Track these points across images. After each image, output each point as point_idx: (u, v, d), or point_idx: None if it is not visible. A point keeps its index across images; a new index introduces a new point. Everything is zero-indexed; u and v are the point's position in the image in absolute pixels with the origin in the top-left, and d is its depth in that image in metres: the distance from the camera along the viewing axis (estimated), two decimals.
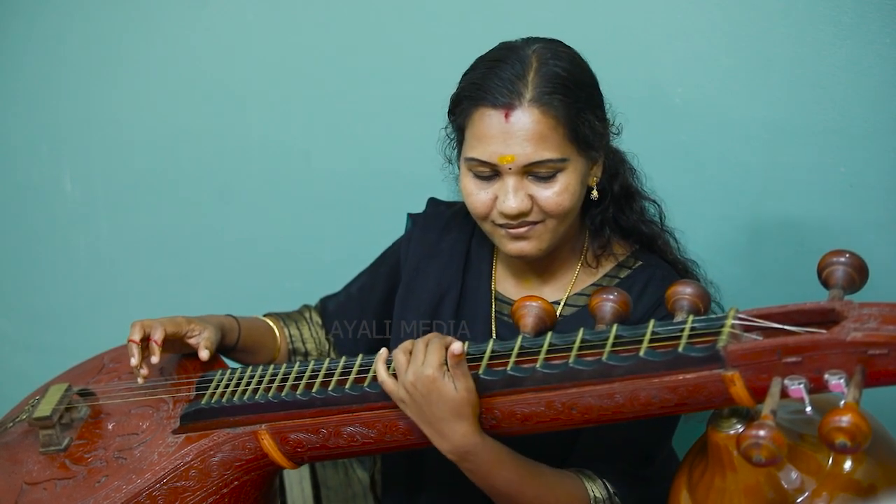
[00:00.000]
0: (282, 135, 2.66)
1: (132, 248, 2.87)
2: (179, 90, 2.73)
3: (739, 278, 2.13)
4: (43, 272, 2.99)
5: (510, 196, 1.77)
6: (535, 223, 1.80)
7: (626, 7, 2.25)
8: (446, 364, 1.62)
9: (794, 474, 1.51)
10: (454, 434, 1.64)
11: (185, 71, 2.71)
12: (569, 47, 1.83)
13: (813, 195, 2.16)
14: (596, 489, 1.76)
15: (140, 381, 1.91)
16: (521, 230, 1.80)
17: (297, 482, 2.20)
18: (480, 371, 1.64)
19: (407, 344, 1.68)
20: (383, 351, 1.71)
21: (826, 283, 1.55)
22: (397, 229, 2.16)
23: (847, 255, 1.54)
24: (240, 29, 2.63)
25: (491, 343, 1.68)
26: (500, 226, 1.81)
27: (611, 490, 1.76)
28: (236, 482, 1.80)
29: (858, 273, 1.54)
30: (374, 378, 1.72)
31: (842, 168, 2.12)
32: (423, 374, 1.61)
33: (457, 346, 1.60)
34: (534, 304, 1.70)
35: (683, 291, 1.61)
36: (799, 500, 1.51)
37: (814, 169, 2.15)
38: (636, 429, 1.77)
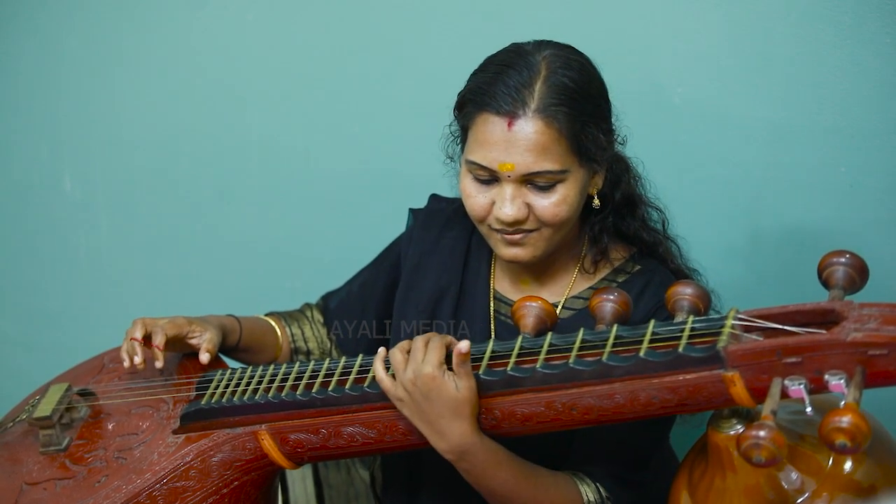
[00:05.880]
0: (282, 135, 2.66)
1: (132, 248, 2.87)
2: (179, 90, 2.72)
3: (739, 279, 2.13)
4: (43, 272, 2.98)
5: (507, 203, 1.76)
6: (530, 231, 1.80)
7: (626, 7, 2.25)
8: (446, 363, 1.62)
9: (794, 475, 1.51)
10: (452, 433, 1.63)
11: (184, 71, 2.71)
12: (581, 55, 1.81)
13: (813, 195, 2.16)
14: (589, 492, 1.76)
15: (139, 367, 1.91)
16: (517, 237, 1.80)
17: (299, 480, 2.20)
18: (481, 371, 1.64)
19: (404, 343, 1.68)
20: (381, 350, 1.71)
21: (826, 284, 1.55)
22: (397, 229, 2.16)
23: (847, 256, 1.54)
24: (240, 29, 2.63)
25: (491, 343, 1.68)
26: (496, 230, 1.81)
27: (603, 494, 1.76)
28: (236, 482, 1.80)
29: (859, 273, 1.54)
30: (375, 378, 1.72)
31: (842, 168, 2.12)
32: (423, 371, 1.61)
33: (464, 345, 1.60)
34: (534, 304, 1.70)
35: (684, 292, 1.60)
36: (799, 501, 1.51)
37: (814, 169, 2.15)
38: (631, 432, 1.77)
